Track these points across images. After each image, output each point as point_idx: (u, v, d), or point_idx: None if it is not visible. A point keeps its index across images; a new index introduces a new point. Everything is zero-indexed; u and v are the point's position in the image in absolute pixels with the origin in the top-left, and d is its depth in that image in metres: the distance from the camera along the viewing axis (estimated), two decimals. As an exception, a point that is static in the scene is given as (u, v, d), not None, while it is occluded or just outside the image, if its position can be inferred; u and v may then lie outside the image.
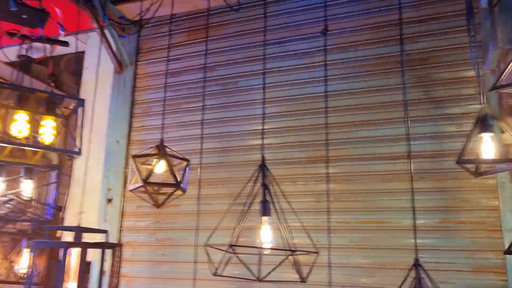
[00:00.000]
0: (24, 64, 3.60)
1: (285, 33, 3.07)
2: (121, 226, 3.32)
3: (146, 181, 2.37)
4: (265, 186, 2.21)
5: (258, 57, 3.10)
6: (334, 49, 2.93)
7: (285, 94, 2.97)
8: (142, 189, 2.45)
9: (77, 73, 5.11)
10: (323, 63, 2.84)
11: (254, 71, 3.11)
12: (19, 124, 2.51)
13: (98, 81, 2.89)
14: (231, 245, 2.15)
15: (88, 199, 3.30)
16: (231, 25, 3.25)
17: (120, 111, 3.45)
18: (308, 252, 2.13)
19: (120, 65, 3.40)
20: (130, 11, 3.15)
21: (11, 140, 2.47)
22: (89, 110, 3.32)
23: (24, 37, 2.95)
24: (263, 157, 2.21)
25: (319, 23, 2.94)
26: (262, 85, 2.68)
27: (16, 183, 2.86)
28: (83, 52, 3.93)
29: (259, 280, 2.15)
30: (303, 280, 2.15)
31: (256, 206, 2.16)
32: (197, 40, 3.32)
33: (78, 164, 3.14)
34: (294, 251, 2.07)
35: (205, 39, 3.10)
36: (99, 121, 3.40)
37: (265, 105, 2.46)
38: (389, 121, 2.70)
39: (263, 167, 2.21)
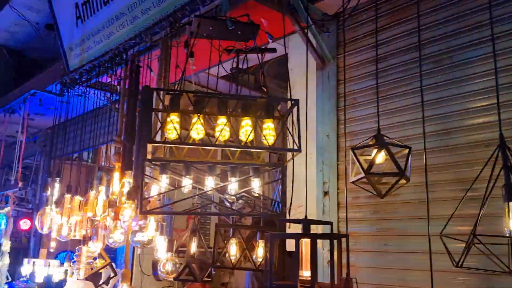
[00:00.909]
0: (236, 75, 4.02)
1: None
2: (338, 218, 3.40)
3: (368, 172, 2.36)
4: (507, 168, 1.95)
5: (482, 23, 2.76)
6: None
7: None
8: (364, 180, 2.45)
9: (278, 76, 5.48)
10: None
11: (477, 40, 2.78)
12: (245, 130, 2.77)
13: (303, 80, 3.01)
14: (474, 235, 1.97)
15: (306, 193, 3.47)
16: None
17: (327, 106, 3.54)
18: None
19: (322, 61, 3.49)
20: (329, 5, 3.21)
21: (241, 144, 2.75)
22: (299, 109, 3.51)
23: (239, 51, 3.29)
24: (501, 136, 1.95)
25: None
26: (491, 54, 2.36)
27: (246, 182, 3.17)
28: (282, 56, 4.17)
29: (514, 273, 1.91)
30: None
31: (495, 192, 1.92)
32: (404, 19, 3.14)
33: (296, 161, 3.33)
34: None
35: (415, 15, 2.89)
36: (308, 117, 3.55)
37: (498, 76, 2.16)
38: None
39: (503, 146, 1.96)
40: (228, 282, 5.81)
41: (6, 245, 5.76)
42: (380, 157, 2.41)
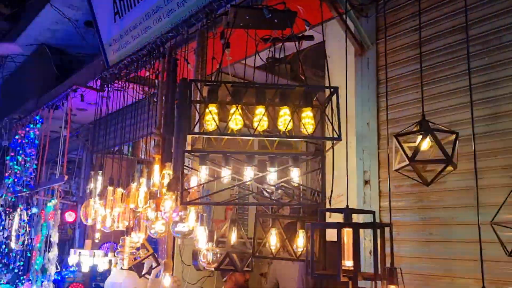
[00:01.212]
0: (273, 65, 3.98)
1: None
2: (380, 207, 3.32)
3: (413, 159, 2.28)
4: None
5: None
6: None
7: None
8: (408, 168, 2.38)
9: (314, 65, 5.40)
10: None
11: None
12: (284, 119, 2.73)
13: (341, 67, 2.94)
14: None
15: (346, 182, 3.41)
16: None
17: (366, 93, 3.45)
18: None
19: (361, 47, 3.40)
20: (368, -11, 3.12)
21: (280, 133, 2.72)
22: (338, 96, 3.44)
23: (275, 40, 3.25)
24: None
25: None
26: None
27: (284, 172, 3.15)
28: (317, 44, 4.09)
29: None
30: None
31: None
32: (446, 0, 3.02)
33: (335, 150, 3.28)
34: None
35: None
36: (348, 105, 3.47)
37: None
38: None
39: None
40: (267, 272, 5.83)
41: (55, 237, 6.01)
42: (425, 143, 2.33)
